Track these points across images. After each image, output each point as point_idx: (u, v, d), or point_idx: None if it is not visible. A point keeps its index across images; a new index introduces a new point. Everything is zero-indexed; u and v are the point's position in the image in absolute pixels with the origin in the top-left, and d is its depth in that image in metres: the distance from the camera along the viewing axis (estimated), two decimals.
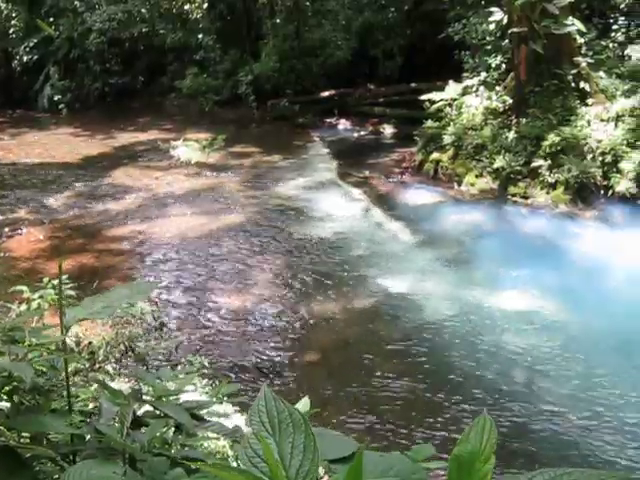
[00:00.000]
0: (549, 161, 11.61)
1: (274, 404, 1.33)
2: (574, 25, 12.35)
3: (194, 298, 8.77)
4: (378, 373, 6.84)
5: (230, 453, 4.07)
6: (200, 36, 25.85)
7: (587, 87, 12.42)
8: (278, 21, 23.86)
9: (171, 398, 2.31)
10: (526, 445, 5.59)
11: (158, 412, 2.11)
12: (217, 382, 6.08)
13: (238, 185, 14.28)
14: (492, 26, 14.02)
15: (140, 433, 1.93)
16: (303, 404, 2.11)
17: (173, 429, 2.12)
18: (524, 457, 5.42)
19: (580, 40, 12.96)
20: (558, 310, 7.95)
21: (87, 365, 6.13)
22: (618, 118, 11.65)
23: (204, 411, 2.35)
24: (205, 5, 26.71)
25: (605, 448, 5.51)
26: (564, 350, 7.07)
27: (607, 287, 8.59)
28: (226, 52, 24.34)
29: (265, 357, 7.23)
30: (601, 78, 12.57)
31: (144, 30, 26.51)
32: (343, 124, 20.63)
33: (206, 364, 6.72)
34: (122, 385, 4.86)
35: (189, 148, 16.83)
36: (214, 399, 4.16)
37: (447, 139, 13.37)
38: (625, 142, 11.21)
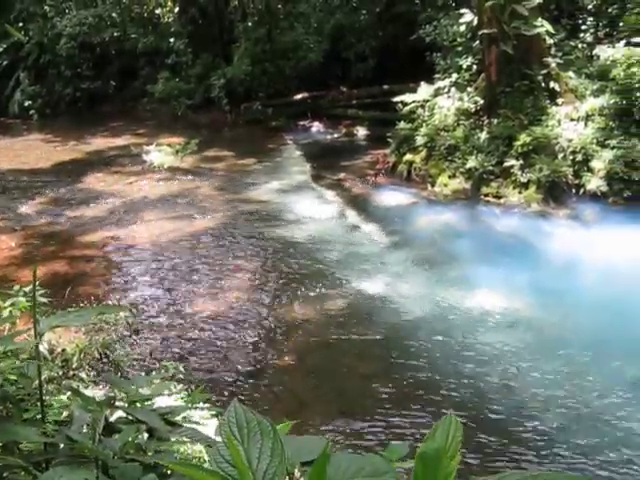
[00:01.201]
0: (521, 161, 11.71)
1: (244, 416, 1.36)
2: (543, 26, 12.51)
3: (168, 303, 8.72)
4: (354, 374, 6.85)
5: (207, 458, 4.05)
6: (172, 40, 25.74)
7: (557, 87, 12.55)
8: (250, 24, 23.83)
9: (145, 403, 2.30)
10: (501, 442, 5.63)
11: (131, 418, 2.10)
12: (192, 387, 6.05)
13: (212, 189, 14.23)
14: (462, 27, 14.14)
15: (112, 439, 1.92)
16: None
17: (147, 435, 2.11)
18: (497, 455, 5.46)
19: (549, 41, 13.11)
20: (532, 308, 8.02)
21: (61, 373, 6.07)
22: (588, 117, 11.79)
23: (179, 417, 2.34)
24: (176, 9, 26.61)
25: (581, 446, 5.56)
26: (538, 348, 7.13)
27: (580, 285, 8.69)
28: (198, 56, 24.25)
29: (241, 360, 7.20)
30: (570, 78, 12.71)
31: (115, 34, 26.35)
32: (316, 127, 20.65)
33: (181, 369, 6.68)
34: (96, 392, 4.82)
35: (162, 153, 16.74)
36: (189, 405, 4.14)
37: (420, 140, 13.44)
38: (595, 141, 11.35)
